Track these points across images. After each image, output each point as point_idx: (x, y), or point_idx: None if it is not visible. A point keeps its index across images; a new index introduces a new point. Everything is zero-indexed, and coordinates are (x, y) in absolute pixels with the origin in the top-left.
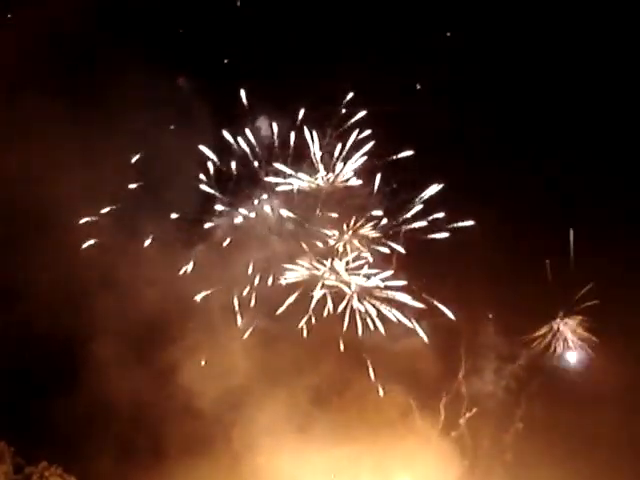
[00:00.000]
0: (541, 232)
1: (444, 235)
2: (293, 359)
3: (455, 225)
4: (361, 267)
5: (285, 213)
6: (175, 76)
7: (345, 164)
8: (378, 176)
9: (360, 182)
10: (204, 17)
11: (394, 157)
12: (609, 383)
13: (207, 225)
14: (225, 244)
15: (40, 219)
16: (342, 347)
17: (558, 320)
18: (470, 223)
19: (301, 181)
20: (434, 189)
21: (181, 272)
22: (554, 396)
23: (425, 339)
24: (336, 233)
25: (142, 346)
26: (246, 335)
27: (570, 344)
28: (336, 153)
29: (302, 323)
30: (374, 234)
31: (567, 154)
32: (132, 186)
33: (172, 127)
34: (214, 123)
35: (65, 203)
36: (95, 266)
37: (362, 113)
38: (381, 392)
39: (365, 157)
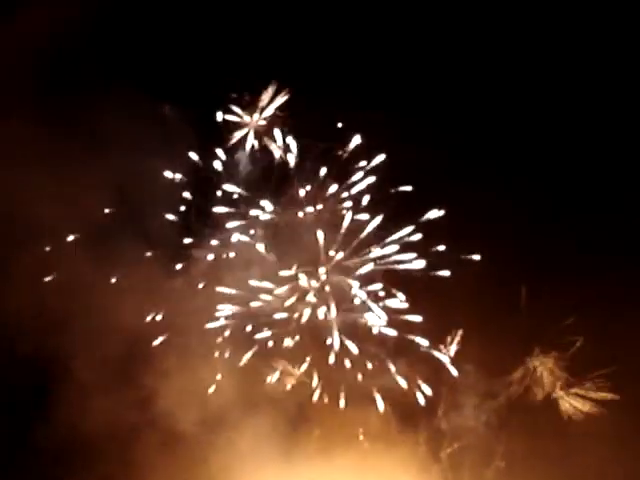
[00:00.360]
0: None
1: (446, 273)
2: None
3: (461, 257)
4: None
5: (263, 248)
6: (160, 104)
7: (333, 196)
8: (364, 201)
9: (347, 214)
10: (193, 44)
11: (391, 191)
12: (593, 420)
13: (179, 266)
14: (202, 279)
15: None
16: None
17: (534, 358)
18: (477, 257)
19: (283, 214)
20: (433, 214)
21: (149, 317)
22: (536, 432)
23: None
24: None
25: (118, 376)
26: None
27: (546, 386)
28: (321, 182)
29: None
30: (360, 267)
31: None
32: (107, 211)
33: (152, 157)
34: (194, 153)
35: (34, 230)
36: (67, 296)
37: (355, 142)
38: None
39: (354, 189)
